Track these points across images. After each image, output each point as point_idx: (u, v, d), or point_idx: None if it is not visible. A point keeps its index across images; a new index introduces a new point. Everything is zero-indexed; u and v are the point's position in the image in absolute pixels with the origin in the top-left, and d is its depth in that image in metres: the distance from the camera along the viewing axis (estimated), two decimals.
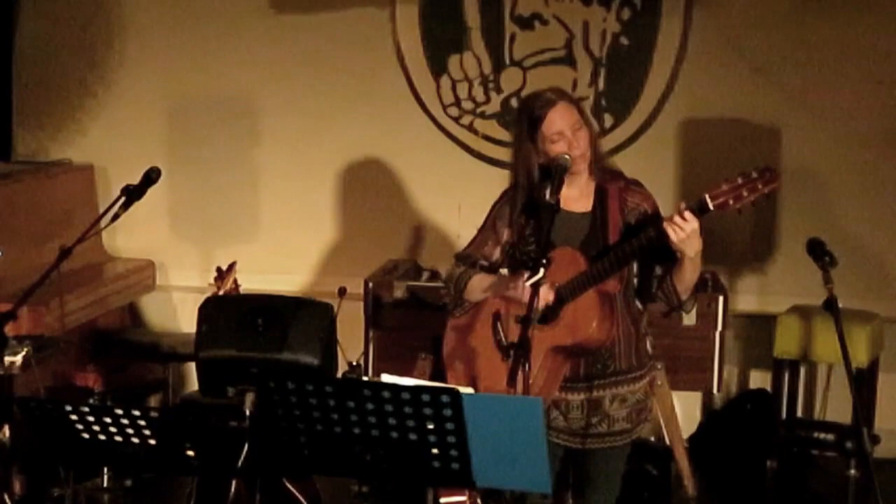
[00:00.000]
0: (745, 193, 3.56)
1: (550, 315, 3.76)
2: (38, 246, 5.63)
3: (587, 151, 3.79)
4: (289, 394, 3.12)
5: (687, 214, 3.57)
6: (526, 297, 3.56)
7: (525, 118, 3.83)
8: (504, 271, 3.90)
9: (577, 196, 3.84)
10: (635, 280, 3.86)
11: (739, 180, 3.57)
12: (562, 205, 3.71)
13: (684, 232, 3.56)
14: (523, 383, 3.33)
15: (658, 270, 3.78)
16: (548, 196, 3.67)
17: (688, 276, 3.71)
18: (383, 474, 3.18)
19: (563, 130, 3.76)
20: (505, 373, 3.65)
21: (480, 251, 3.96)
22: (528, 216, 3.86)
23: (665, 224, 3.58)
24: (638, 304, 3.88)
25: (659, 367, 5.07)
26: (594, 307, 3.72)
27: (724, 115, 6.00)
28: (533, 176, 3.82)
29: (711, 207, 3.57)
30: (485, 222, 3.99)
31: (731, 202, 3.56)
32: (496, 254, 3.94)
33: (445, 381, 3.91)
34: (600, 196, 3.84)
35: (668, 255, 3.67)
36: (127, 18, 6.39)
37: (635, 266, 3.83)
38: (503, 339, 3.82)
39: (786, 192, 5.98)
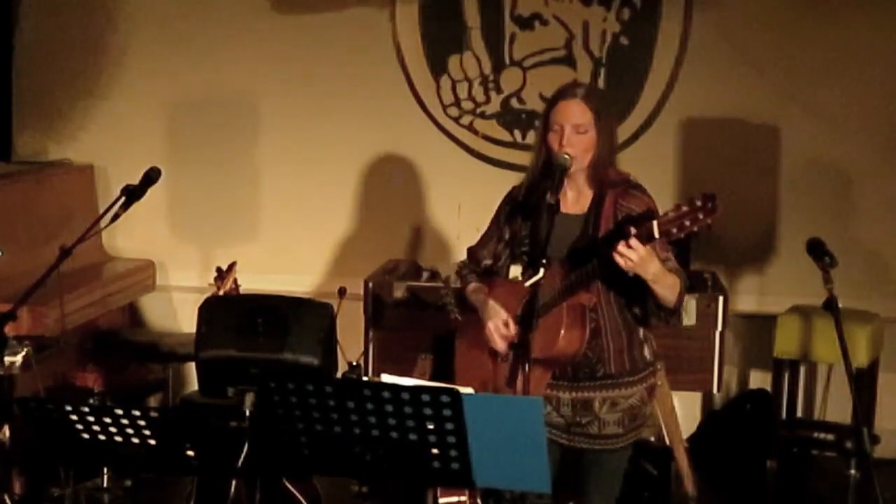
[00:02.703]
0: (687, 223, 3.49)
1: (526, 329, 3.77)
2: (38, 246, 5.63)
3: (584, 157, 3.77)
4: (289, 394, 3.12)
5: (633, 242, 3.53)
6: (494, 343, 3.73)
7: (549, 101, 3.83)
8: (490, 303, 3.89)
9: (574, 198, 3.83)
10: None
11: (684, 208, 3.50)
12: (560, 206, 3.70)
13: (632, 260, 3.54)
14: (523, 383, 3.34)
15: (639, 291, 3.76)
16: (548, 196, 3.67)
17: (659, 292, 3.65)
18: (383, 474, 3.18)
19: (562, 124, 3.73)
20: (494, 376, 3.68)
21: (486, 249, 3.99)
22: (523, 216, 3.86)
23: (614, 252, 3.55)
24: (636, 310, 3.85)
25: (659, 367, 5.05)
26: (560, 321, 3.71)
27: (724, 115, 6.00)
28: (535, 170, 3.82)
29: (657, 235, 3.53)
30: (492, 219, 4.00)
31: (674, 231, 3.51)
32: (499, 250, 3.97)
33: (451, 382, 3.91)
34: (597, 200, 3.82)
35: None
36: (127, 18, 6.39)
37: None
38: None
39: (786, 192, 6.00)
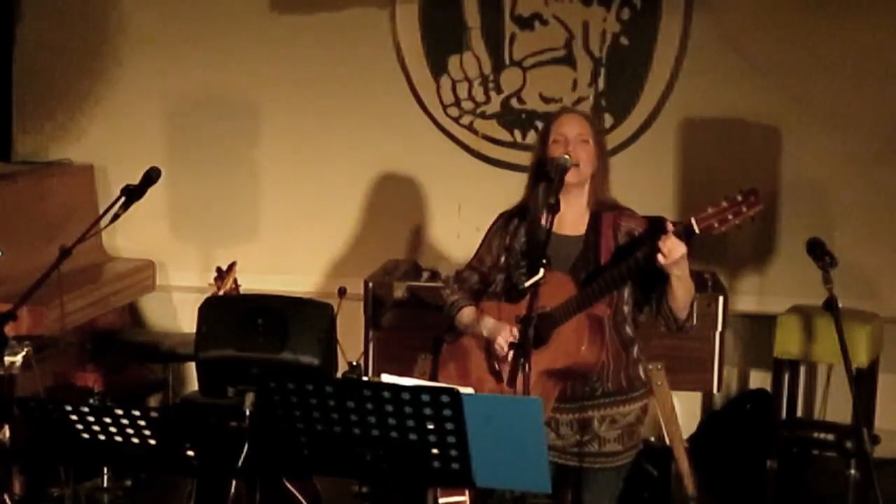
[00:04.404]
0: (730, 217, 3.62)
1: (539, 339, 3.77)
2: (38, 246, 5.63)
3: (585, 167, 3.80)
4: (289, 394, 3.12)
5: (673, 238, 3.59)
6: (501, 354, 3.73)
7: (547, 121, 3.93)
8: (490, 320, 3.89)
9: (572, 220, 3.86)
10: (626, 308, 3.86)
11: (724, 204, 3.62)
12: (556, 228, 3.72)
13: (671, 257, 3.58)
14: (523, 383, 3.33)
15: (654, 294, 3.79)
16: (548, 197, 3.69)
17: (679, 295, 3.71)
18: (383, 474, 3.18)
19: (566, 134, 3.81)
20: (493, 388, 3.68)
21: (478, 271, 4.01)
22: (522, 221, 3.88)
23: (658, 245, 3.60)
24: (629, 329, 3.88)
25: (659, 367, 5.07)
26: (583, 330, 3.73)
27: (724, 115, 6.00)
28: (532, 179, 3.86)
29: (697, 231, 3.61)
30: (482, 242, 4.02)
31: (716, 225, 3.62)
32: (492, 274, 3.97)
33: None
34: (594, 221, 3.86)
35: (660, 278, 3.68)
36: (127, 18, 6.40)
37: (626, 293, 3.84)
38: (496, 364, 3.85)
39: (786, 191, 5.99)
